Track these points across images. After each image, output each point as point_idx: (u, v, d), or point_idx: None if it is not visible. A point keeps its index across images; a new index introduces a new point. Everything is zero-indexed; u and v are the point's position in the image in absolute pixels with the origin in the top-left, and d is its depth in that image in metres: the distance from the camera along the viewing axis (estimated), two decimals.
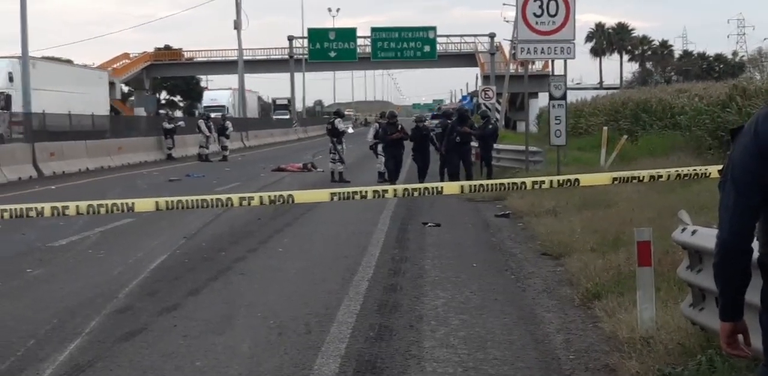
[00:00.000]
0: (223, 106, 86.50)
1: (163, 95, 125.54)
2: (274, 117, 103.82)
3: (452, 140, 26.43)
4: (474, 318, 9.63)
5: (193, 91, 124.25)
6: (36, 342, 8.75)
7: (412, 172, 28.28)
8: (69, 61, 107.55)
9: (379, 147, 28.18)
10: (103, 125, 45.42)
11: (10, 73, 48.00)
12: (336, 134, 29.45)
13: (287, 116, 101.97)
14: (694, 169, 7.84)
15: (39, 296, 11.08)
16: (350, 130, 35.94)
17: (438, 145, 27.51)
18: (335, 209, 19.43)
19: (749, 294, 4.05)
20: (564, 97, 24.94)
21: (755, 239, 4.01)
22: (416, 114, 35.46)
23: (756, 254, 4.01)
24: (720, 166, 8.44)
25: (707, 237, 7.22)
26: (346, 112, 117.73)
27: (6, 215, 6.40)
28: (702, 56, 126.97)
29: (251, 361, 8.08)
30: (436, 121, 29.23)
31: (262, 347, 8.52)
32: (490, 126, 29.62)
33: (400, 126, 27.66)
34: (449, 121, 27.78)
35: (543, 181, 7.89)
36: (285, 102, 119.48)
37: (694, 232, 7.57)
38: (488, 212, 19.75)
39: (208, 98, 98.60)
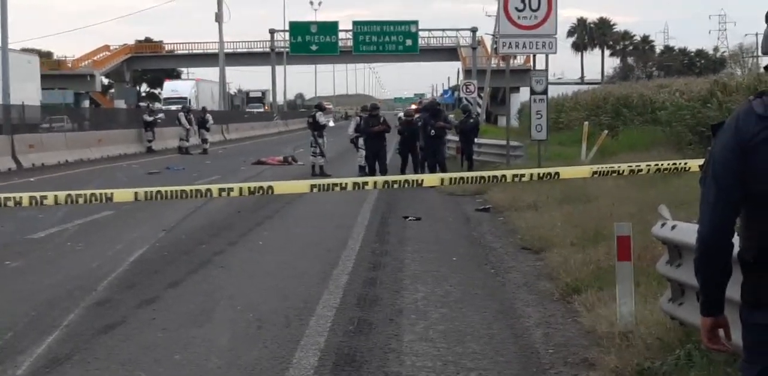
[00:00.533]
0: (185, 98, 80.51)
1: (144, 88, 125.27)
2: (248, 110, 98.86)
3: (427, 134, 26.44)
4: (454, 312, 9.63)
5: None
6: (14, 335, 8.71)
7: (393, 166, 28.07)
8: (49, 53, 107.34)
9: (360, 141, 27.98)
10: (35, 118, 41.89)
11: None
12: (317, 128, 29.40)
13: (261, 109, 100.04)
14: (674, 164, 7.86)
15: (17, 288, 11.03)
16: (331, 124, 35.62)
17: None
18: (316, 203, 19.41)
19: (729, 290, 4.05)
20: (545, 91, 24.95)
21: (735, 234, 4.01)
22: (404, 108, 35.29)
23: (736, 249, 4.02)
24: (700, 161, 8.46)
25: (687, 232, 7.23)
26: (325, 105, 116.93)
27: None
28: (683, 52, 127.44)
29: (230, 354, 8.06)
30: (416, 115, 28.50)
31: (241, 341, 8.50)
32: (471, 120, 29.66)
33: (382, 118, 27.31)
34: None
35: (523, 174, 7.89)
36: (259, 94, 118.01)
37: (673, 227, 7.58)
38: (469, 206, 19.75)
39: (169, 89, 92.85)
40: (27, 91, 53.11)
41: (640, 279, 9.06)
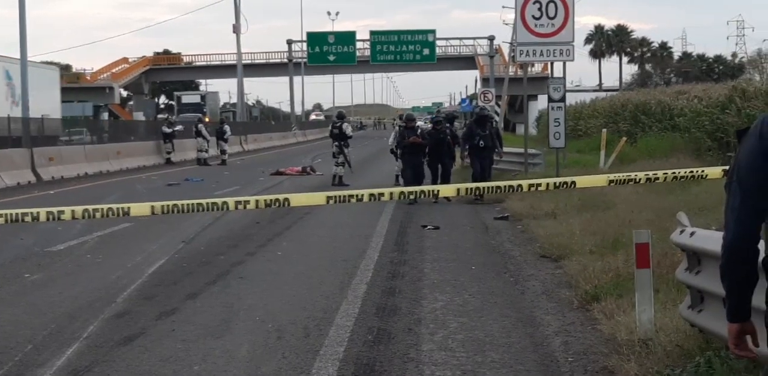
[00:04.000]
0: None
1: (162, 99, 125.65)
2: (175, 120, 59.32)
3: (475, 144, 23.82)
4: (473, 321, 9.61)
5: None
6: (34, 347, 8.73)
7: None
8: (68, 67, 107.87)
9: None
10: (55, 130, 42.57)
11: None
12: (343, 138, 29.28)
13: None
14: (691, 171, 7.82)
15: (37, 300, 11.05)
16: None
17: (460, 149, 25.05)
18: (334, 213, 19.41)
19: (754, 297, 4.04)
20: (563, 99, 24.93)
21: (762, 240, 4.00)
22: (432, 115, 31.70)
23: (761, 256, 4.00)
24: (718, 169, 8.44)
25: (706, 239, 7.21)
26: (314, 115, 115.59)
27: (2, 219, 6.37)
28: (701, 58, 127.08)
29: (250, 365, 8.06)
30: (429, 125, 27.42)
31: (261, 351, 8.50)
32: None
33: (419, 130, 24.93)
34: (454, 124, 26.13)
35: (539, 184, 7.87)
36: (197, 99, 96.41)
37: (692, 234, 7.55)
38: (487, 215, 19.73)
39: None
40: (49, 105, 53.49)
41: (659, 286, 9.04)
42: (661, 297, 8.91)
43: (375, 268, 13.01)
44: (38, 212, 6.39)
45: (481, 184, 9.64)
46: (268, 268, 13.35)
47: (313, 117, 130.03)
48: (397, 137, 25.49)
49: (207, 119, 71.64)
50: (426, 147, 24.15)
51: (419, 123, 31.50)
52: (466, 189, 8.70)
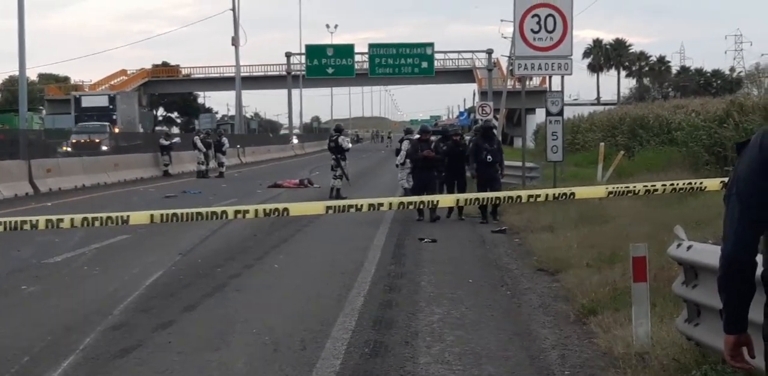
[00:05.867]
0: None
1: (161, 112, 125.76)
2: (73, 133, 52.43)
3: (482, 159, 21.79)
4: (469, 334, 9.60)
5: (190, 108, 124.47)
6: (30, 359, 8.72)
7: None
8: (66, 78, 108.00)
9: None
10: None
11: None
12: (340, 151, 29.32)
13: (104, 133, 53.20)
14: (689, 183, 7.83)
15: (34, 312, 11.05)
16: (350, 146, 34.15)
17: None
18: (332, 225, 19.40)
19: (751, 311, 4.05)
20: (561, 113, 24.97)
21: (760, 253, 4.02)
22: (449, 126, 27.72)
23: (760, 270, 4.01)
24: (716, 181, 8.45)
25: (703, 253, 7.22)
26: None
27: (1, 228, 6.38)
28: (699, 72, 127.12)
29: None
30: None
31: (257, 364, 8.49)
32: None
33: (433, 144, 22.97)
34: (467, 139, 24.22)
35: (539, 195, 7.88)
36: (104, 103, 75.35)
37: (689, 247, 7.56)
38: (485, 228, 19.73)
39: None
40: None
41: (656, 300, 9.04)
42: (658, 311, 8.91)
43: (372, 280, 13.00)
44: (37, 220, 6.40)
45: (480, 195, 9.63)
46: (265, 280, 13.34)
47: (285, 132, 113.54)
48: (409, 151, 23.86)
49: (116, 130, 61.34)
50: (439, 162, 22.52)
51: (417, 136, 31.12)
52: (466, 200, 8.70)
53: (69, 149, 45.19)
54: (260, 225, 18.47)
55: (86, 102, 74.65)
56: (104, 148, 46.67)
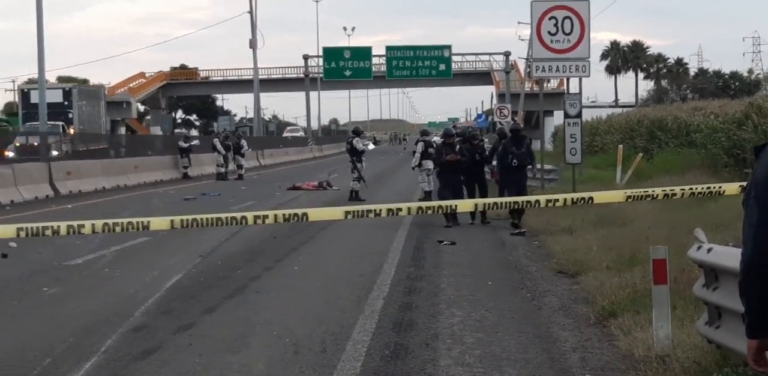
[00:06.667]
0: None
1: (179, 114, 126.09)
2: (20, 133, 48.89)
3: (508, 164, 21.07)
4: (489, 336, 9.61)
5: (209, 110, 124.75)
6: (52, 361, 8.76)
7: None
8: (85, 81, 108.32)
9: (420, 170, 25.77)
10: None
11: None
12: (356, 153, 29.35)
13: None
14: (708, 187, 7.84)
15: (55, 314, 11.09)
16: (370, 147, 33.27)
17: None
18: (351, 228, 19.42)
19: None
20: (579, 115, 24.96)
21: None
22: (467, 129, 26.24)
23: None
24: (735, 185, 8.44)
25: (723, 255, 7.22)
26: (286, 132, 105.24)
27: (23, 233, 6.42)
28: (717, 74, 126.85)
29: None
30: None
31: (278, 366, 8.51)
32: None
33: (458, 147, 22.44)
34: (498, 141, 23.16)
35: (557, 199, 7.88)
36: (57, 98, 61.34)
37: (709, 250, 7.56)
38: (503, 230, 19.72)
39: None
40: None
41: (676, 302, 9.03)
42: (678, 313, 8.90)
43: (392, 283, 13.02)
44: (59, 226, 6.43)
45: (498, 200, 9.64)
46: (285, 282, 13.38)
47: (286, 134, 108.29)
48: (432, 155, 23.77)
49: (71, 131, 54.02)
50: (463, 165, 22.06)
51: (435, 138, 30.90)
52: (485, 204, 8.72)
53: (11, 154, 37.54)
54: (279, 227, 18.50)
55: (36, 97, 54.17)
56: (54, 153, 39.43)
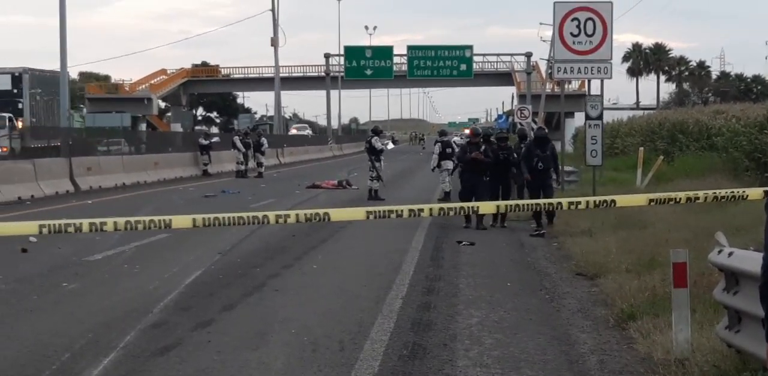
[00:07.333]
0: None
1: (200, 111, 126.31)
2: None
3: (533, 166, 20.52)
4: (508, 338, 9.61)
5: (229, 108, 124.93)
6: (71, 356, 8.79)
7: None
8: (107, 77, 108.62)
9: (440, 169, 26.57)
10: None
11: None
12: (374, 152, 29.36)
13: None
14: (732, 192, 7.80)
15: (74, 310, 11.13)
16: (389, 147, 33.05)
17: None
18: (370, 227, 19.42)
19: None
20: (600, 117, 24.89)
21: None
22: (489, 129, 25.40)
23: None
24: (760, 189, 8.41)
25: (744, 259, 7.20)
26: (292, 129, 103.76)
27: (45, 230, 6.43)
28: (740, 77, 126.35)
29: None
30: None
31: (296, 364, 8.53)
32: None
33: (483, 147, 21.78)
34: (523, 143, 22.51)
35: (579, 202, 7.86)
36: (5, 85, 55.28)
37: (730, 254, 7.54)
38: (523, 232, 19.70)
39: None
40: None
41: (696, 306, 9.01)
42: (698, 317, 8.88)
43: (410, 283, 13.02)
44: (81, 223, 6.44)
45: (521, 202, 9.63)
46: (304, 281, 13.39)
47: (293, 131, 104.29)
48: (456, 153, 23.33)
49: (19, 123, 47.84)
50: (488, 165, 21.51)
51: (455, 138, 30.84)
52: (506, 206, 8.70)
53: None
54: (299, 226, 18.50)
55: None
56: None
